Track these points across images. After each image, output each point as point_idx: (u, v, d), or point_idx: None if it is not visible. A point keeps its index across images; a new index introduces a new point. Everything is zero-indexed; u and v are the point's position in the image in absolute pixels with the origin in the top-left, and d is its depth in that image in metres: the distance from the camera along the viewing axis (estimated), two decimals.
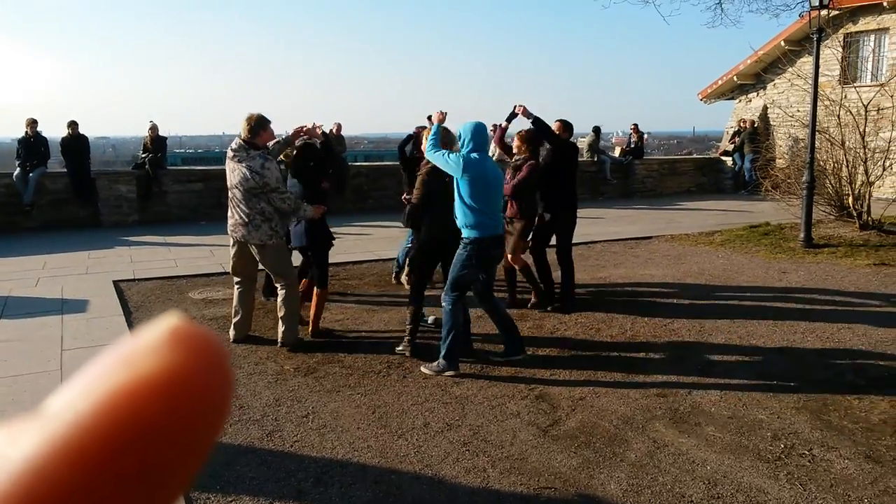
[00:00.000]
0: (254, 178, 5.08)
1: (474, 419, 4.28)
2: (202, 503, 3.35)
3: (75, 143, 11.72)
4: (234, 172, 5.15)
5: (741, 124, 17.42)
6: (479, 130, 5.02)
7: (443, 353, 5.01)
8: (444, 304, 5.11)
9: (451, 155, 4.99)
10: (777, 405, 4.42)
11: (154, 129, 12.49)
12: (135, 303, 6.96)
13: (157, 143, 12.45)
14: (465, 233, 5.01)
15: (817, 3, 9.13)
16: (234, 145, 5.22)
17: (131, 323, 6.19)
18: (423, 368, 5.05)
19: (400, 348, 5.40)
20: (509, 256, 6.42)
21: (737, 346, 5.61)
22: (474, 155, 4.94)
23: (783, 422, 4.19)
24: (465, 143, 4.98)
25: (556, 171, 6.51)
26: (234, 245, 5.42)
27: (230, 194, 5.27)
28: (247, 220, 5.18)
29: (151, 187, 12.21)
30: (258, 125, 5.17)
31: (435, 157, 5.07)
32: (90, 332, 5.84)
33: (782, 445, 3.89)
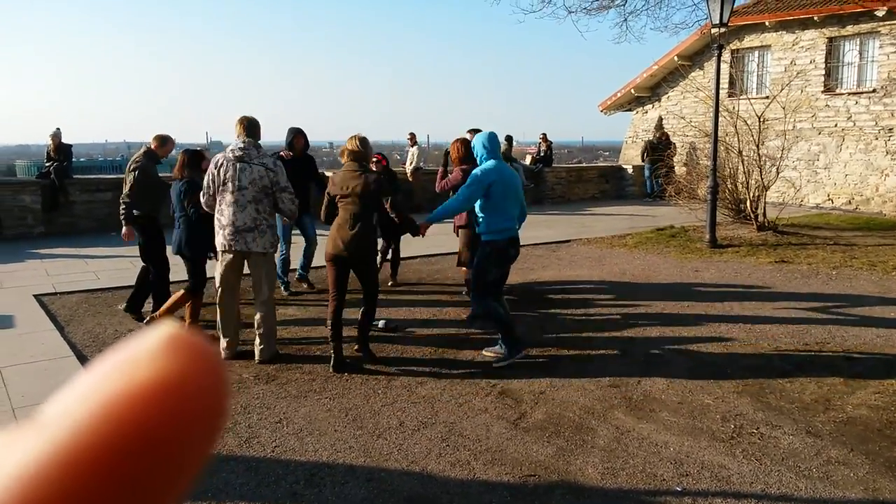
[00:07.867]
0: (268, 176, 5.21)
1: (446, 416, 4.42)
2: None
3: None
4: (242, 173, 5.17)
5: (654, 135, 17.95)
6: (491, 139, 5.40)
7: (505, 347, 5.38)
8: (478, 308, 5.51)
9: (469, 184, 5.31)
10: (719, 390, 4.81)
11: (57, 136, 11.85)
12: (63, 317, 6.64)
13: (61, 150, 11.83)
14: (485, 236, 5.37)
15: (717, 22, 9.89)
16: (237, 148, 5.25)
17: (66, 337, 5.92)
18: (485, 352, 5.48)
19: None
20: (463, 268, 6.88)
21: (671, 337, 6.03)
22: (491, 162, 5.31)
23: (728, 405, 4.57)
24: (481, 155, 5.38)
25: None
26: (228, 255, 5.31)
27: (229, 199, 5.21)
28: (253, 224, 5.23)
29: (58, 197, 11.60)
30: (256, 126, 5.35)
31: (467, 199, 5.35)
32: (24, 348, 5.54)
33: (732, 426, 4.26)
